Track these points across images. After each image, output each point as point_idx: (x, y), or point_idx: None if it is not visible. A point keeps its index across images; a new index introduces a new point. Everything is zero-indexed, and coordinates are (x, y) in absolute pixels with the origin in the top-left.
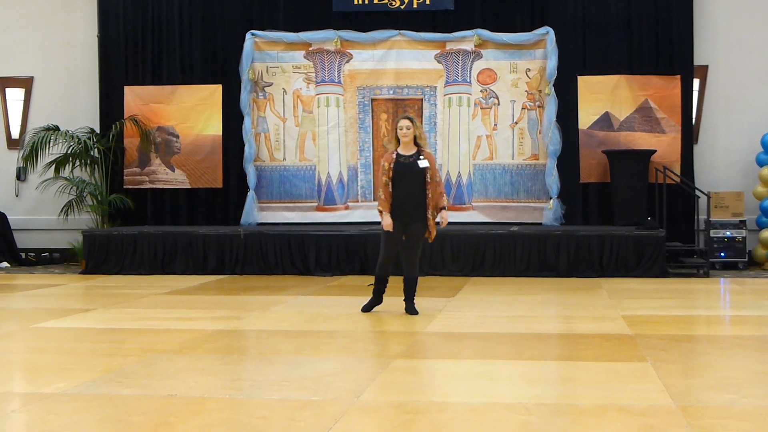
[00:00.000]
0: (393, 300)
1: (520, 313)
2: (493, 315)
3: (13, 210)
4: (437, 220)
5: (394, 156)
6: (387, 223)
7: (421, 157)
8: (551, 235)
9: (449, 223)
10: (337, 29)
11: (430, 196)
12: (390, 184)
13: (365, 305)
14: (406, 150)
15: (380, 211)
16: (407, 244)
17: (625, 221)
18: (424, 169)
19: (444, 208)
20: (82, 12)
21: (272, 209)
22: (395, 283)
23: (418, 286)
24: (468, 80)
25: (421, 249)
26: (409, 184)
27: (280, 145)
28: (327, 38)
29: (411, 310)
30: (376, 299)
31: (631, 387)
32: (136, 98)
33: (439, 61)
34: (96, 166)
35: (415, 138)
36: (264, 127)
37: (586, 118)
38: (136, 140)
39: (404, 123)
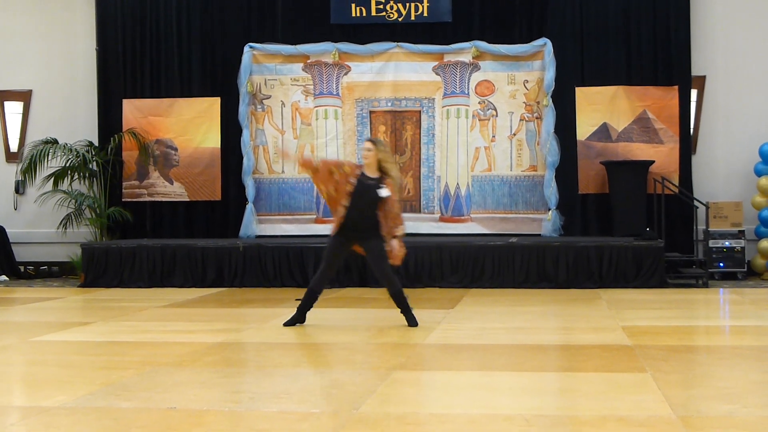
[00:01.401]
0: (391, 312)
1: (519, 325)
2: (493, 326)
3: (11, 223)
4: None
5: (359, 173)
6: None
7: (382, 185)
8: (550, 246)
9: (445, 235)
10: (335, 42)
11: (389, 224)
12: (350, 200)
13: (287, 321)
14: (371, 172)
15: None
16: (370, 261)
17: (623, 232)
18: (383, 199)
19: (397, 237)
20: (81, 25)
21: (271, 222)
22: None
23: (416, 298)
24: (466, 92)
25: (387, 263)
26: (364, 207)
27: (279, 157)
28: (325, 50)
29: (411, 321)
30: (299, 316)
31: (630, 398)
32: (134, 111)
33: (437, 73)
34: (95, 179)
35: (381, 162)
36: (262, 139)
37: (584, 129)
38: (135, 153)
39: (366, 145)
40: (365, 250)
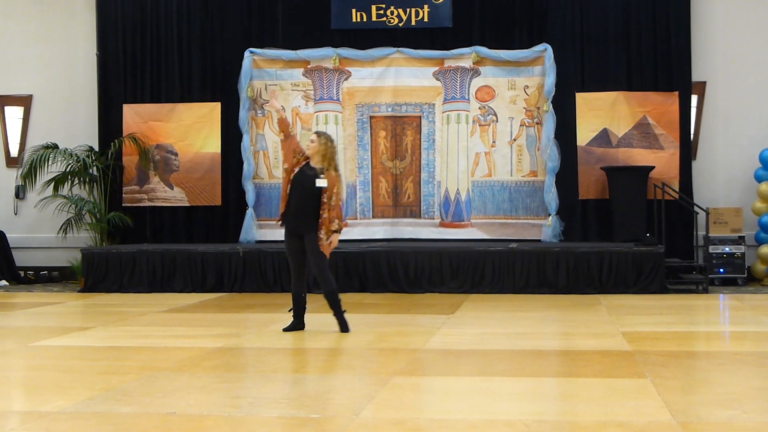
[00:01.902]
0: (390, 317)
1: (519, 330)
2: (493, 332)
3: (11, 228)
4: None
5: (303, 164)
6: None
7: (322, 176)
8: (550, 251)
9: (445, 241)
10: (336, 47)
11: (324, 216)
12: (289, 188)
13: (287, 326)
14: (314, 163)
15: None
16: (309, 255)
17: (624, 237)
18: (320, 189)
19: (337, 231)
20: (81, 30)
21: (271, 227)
22: (390, 300)
23: (416, 303)
24: (466, 97)
25: (323, 260)
26: (301, 196)
27: (278, 162)
28: (325, 56)
29: (342, 327)
30: (297, 322)
31: (630, 403)
32: (134, 116)
33: (437, 79)
34: (95, 184)
35: (321, 155)
36: (263, 144)
37: (584, 134)
38: (135, 158)
39: (312, 137)
40: (306, 243)
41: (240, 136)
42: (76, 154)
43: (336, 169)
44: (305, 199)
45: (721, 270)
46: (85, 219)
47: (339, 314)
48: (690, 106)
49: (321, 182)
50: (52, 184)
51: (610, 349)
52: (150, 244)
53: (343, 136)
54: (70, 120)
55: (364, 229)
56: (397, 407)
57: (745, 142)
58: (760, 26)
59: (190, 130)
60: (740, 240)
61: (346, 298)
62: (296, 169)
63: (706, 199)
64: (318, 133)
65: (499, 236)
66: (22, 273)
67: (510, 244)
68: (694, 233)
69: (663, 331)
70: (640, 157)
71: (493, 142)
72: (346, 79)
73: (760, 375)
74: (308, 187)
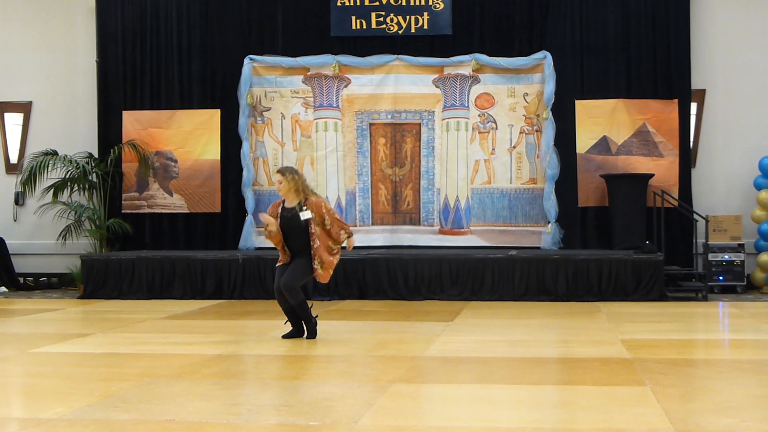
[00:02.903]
0: (389, 324)
1: (518, 338)
2: (492, 339)
3: (11, 235)
4: (343, 245)
5: (280, 209)
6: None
7: (304, 207)
8: (550, 259)
9: (444, 248)
10: (336, 54)
11: (316, 246)
12: (281, 234)
13: (286, 334)
14: (289, 201)
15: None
16: (288, 269)
17: (623, 245)
18: (307, 221)
19: (348, 236)
20: (81, 37)
21: None
22: (389, 307)
23: (416, 310)
24: (466, 104)
25: (298, 277)
26: (296, 236)
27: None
28: (325, 63)
29: (309, 333)
30: (296, 330)
31: (630, 411)
32: (134, 123)
33: (437, 86)
34: (94, 190)
35: (295, 190)
36: (262, 151)
37: (584, 142)
38: (135, 165)
39: (277, 177)
40: (293, 260)
41: (239, 143)
42: (75, 161)
43: (313, 193)
44: (301, 236)
45: (721, 278)
46: (84, 225)
47: (309, 321)
48: (689, 114)
49: (305, 215)
50: (52, 190)
51: (609, 356)
52: (149, 250)
53: (342, 143)
54: (70, 127)
55: (364, 236)
56: (396, 415)
57: (744, 150)
58: (759, 34)
59: (189, 136)
60: (740, 248)
61: (345, 305)
62: (278, 219)
63: (705, 206)
64: (281, 172)
65: (499, 243)
66: (21, 279)
67: (509, 252)
68: (694, 241)
69: (662, 339)
70: (639, 164)
71: (493, 149)
72: (345, 86)
73: (759, 383)
74: (297, 223)
